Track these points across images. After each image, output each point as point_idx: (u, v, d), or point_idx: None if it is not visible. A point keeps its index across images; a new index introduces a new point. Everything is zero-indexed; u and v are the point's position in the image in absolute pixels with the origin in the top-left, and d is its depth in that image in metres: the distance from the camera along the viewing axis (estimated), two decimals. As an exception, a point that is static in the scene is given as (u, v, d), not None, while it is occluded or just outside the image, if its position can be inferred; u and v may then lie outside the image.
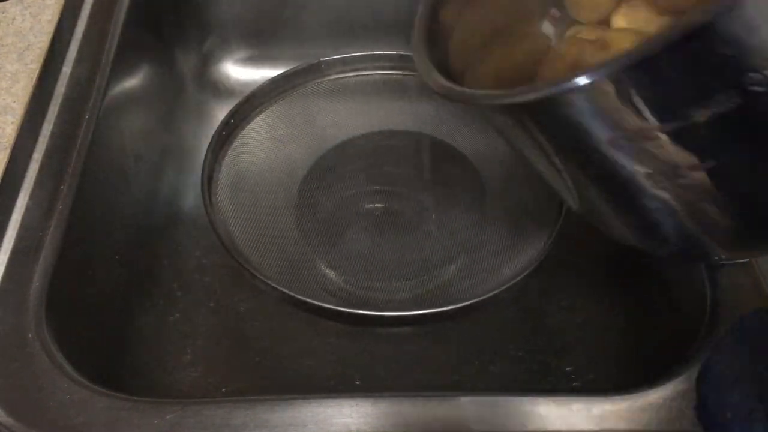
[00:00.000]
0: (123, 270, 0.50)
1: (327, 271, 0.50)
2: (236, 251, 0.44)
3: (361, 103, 0.56)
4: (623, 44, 0.34)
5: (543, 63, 0.38)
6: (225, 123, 0.51)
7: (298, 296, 0.42)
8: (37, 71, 0.47)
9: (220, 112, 0.62)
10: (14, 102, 0.45)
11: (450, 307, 0.41)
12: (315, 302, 0.42)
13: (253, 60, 0.66)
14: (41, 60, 0.47)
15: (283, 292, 0.42)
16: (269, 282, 0.42)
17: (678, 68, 0.24)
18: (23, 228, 0.42)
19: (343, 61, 0.54)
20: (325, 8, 0.62)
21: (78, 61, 0.49)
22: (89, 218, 0.45)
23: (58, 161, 0.44)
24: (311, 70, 0.54)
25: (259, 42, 0.65)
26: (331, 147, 0.55)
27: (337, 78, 0.55)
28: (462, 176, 0.53)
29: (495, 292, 0.42)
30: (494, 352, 0.50)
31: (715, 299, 0.40)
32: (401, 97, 0.55)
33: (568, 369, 0.49)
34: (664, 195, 0.29)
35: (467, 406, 0.36)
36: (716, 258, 0.39)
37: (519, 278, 0.42)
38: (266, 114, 0.53)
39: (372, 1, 0.61)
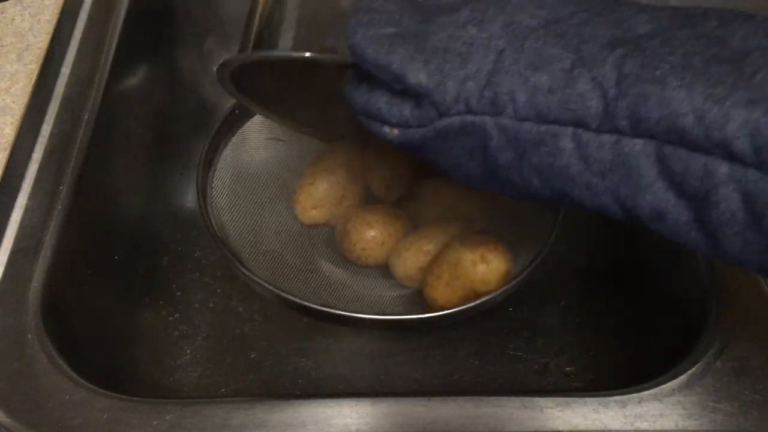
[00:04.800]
0: (123, 270, 0.50)
1: (327, 271, 0.50)
2: (233, 252, 0.44)
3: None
4: None
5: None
6: (224, 122, 0.51)
7: (297, 300, 0.41)
8: (37, 71, 0.47)
9: (220, 111, 0.62)
10: (14, 102, 0.45)
11: (450, 311, 0.41)
12: (314, 306, 0.41)
13: (253, 60, 0.65)
14: (41, 60, 0.47)
15: (280, 296, 0.41)
16: (268, 285, 0.41)
17: None
18: (23, 228, 0.42)
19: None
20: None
21: (77, 61, 0.49)
22: (89, 218, 0.45)
23: (57, 161, 0.44)
24: (311, 69, 0.54)
25: (258, 42, 0.65)
26: (330, 146, 0.55)
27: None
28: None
29: (494, 292, 0.42)
30: (494, 352, 0.50)
31: (715, 299, 0.40)
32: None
33: (568, 369, 0.49)
34: None
35: (467, 406, 0.36)
36: None
37: (518, 278, 0.42)
38: (266, 114, 0.53)
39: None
